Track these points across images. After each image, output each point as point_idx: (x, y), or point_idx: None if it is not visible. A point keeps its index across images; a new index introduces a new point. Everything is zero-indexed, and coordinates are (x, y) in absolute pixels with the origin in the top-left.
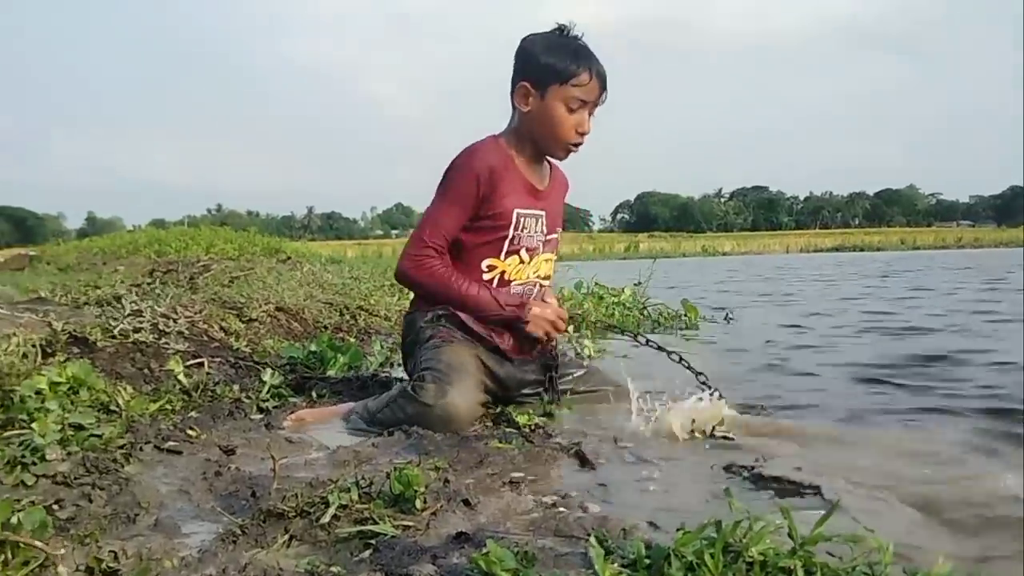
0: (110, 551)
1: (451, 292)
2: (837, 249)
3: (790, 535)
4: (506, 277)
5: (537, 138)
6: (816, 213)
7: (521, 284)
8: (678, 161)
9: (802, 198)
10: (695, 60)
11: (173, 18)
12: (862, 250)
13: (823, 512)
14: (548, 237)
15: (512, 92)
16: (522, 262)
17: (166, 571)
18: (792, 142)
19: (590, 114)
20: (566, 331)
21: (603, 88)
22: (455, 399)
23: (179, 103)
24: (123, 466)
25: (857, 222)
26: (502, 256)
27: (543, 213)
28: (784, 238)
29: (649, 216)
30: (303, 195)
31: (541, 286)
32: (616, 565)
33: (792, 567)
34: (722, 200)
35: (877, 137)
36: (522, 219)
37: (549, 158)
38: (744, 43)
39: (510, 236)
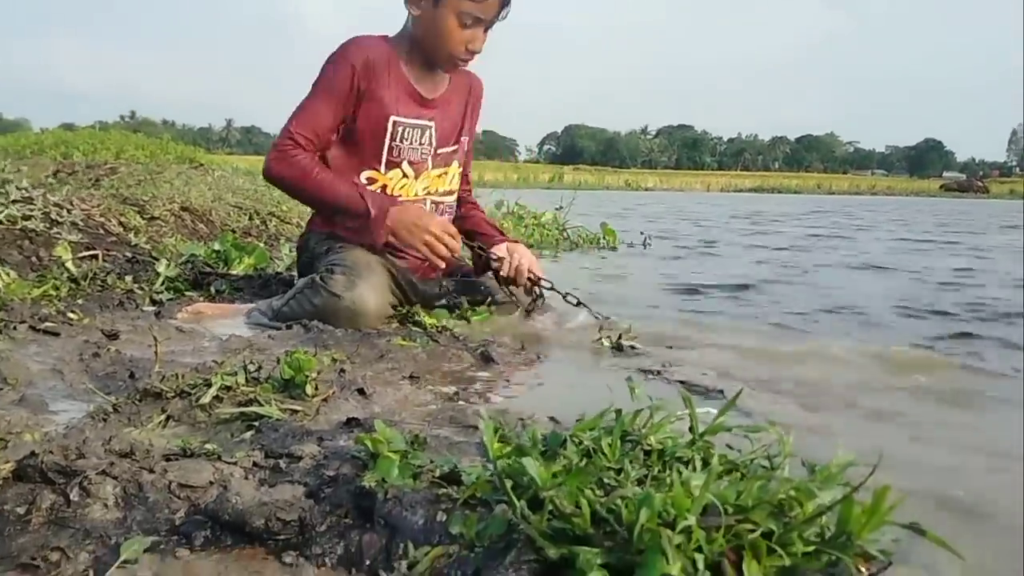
0: None
1: (310, 183)
2: (755, 190)
3: (690, 429)
4: (388, 191)
5: (423, 46)
6: (738, 155)
7: (409, 200)
8: (607, 96)
9: (726, 139)
10: None
11: None
12: (780, 192)
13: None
14: (439, 151)
15: None
16: (405, 176)
17: (24, 443)
18: (720, 85)
19: (486, 30)
20: (453, 255)
21: (504, 4)
22: (365, 292)
23: (86, 3)
24: None
25: (777, 166)
26: (382, 168)
27: (431, 124)
28: (706, 177)
29: (575, 149)
30: (222, 108)
31: (435, 204)
32: (508, 448)
33: (690, 457)
34: (648, 137)
35: (802, 84)
36: (401, 128)
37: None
38: None
39: (387, 146)
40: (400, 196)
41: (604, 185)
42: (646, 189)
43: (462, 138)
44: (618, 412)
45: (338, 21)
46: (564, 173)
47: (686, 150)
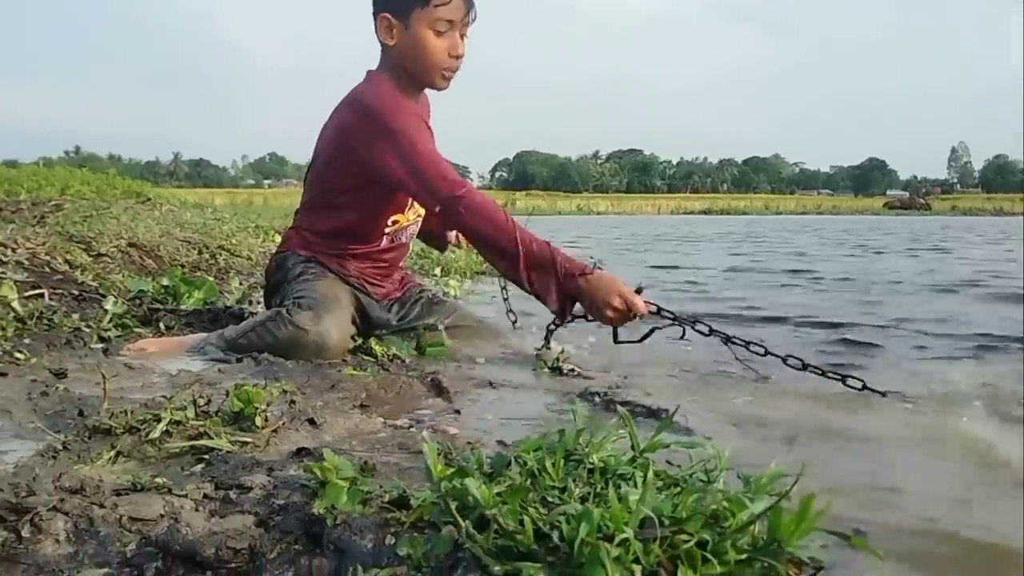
0: None
1: (511, 226)
2: (705, 212)
3: (632, 447)
4: (400, 223)
5: (412, 71)
6: (687, 178)
7: (410, 224)
8: (558, 122)
9: (675, 163)
10: (576, 22)
11: None
12: (729, 213)
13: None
14: None
15: (375, 26)
16: (410, 207)
17: None
18: (668, 109)
19: (462, 36)
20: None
21: (470, 6)
22: (330, 327)
23: (22, 39)
24: None
25: (725, 187)
26: (406, 210)
27: None
28: (656, 200)
29: (527, 175)
30: (169, 142)
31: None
32: (452, 470)
33: (631, 473)
34: (599, 162)
35: (748, 108)
36: None
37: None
38: (623, 10)
39: None
40: (408, 223)
41: (557, 210)
42: (598, 213)
43: None
44: (561, 432)
45: (277, 48)
46: (516, 199)
47: (636, 174)
